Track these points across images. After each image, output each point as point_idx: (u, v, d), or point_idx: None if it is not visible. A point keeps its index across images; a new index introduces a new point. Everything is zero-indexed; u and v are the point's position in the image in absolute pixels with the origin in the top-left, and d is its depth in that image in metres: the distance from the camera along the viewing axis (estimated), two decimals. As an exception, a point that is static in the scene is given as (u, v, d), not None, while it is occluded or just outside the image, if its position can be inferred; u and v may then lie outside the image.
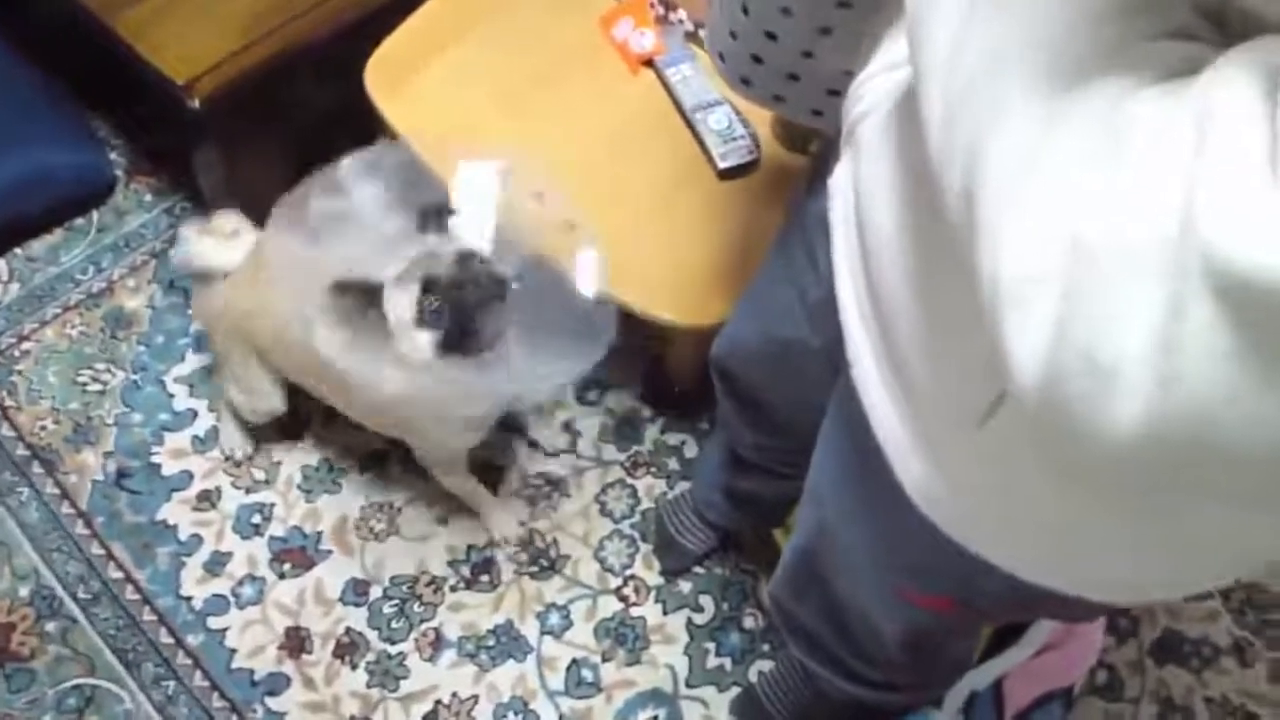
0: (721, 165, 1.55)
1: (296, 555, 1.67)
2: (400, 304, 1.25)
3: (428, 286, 1.25)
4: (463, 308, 1.26)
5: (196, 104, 1.52)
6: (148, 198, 2.01)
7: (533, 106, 1.60)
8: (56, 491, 1.70)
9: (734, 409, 1.33)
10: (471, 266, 1.28)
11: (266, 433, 1.75)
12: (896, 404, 0.77)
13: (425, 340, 1.26)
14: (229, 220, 1.60)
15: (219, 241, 1.58)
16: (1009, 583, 0.79)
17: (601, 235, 1.48)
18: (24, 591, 1.63)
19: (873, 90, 0.78)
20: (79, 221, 1.97)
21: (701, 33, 1.65)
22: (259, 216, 1.64)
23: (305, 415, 1.77)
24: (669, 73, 1.62)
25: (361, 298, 1.25)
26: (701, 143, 1.57)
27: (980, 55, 0.51)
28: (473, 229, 1.31)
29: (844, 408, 0.90)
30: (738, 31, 0.94)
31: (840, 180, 0.83)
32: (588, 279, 1.39)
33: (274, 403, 1.63)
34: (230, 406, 1.69)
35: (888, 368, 0.77)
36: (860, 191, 0.78)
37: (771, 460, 1.38)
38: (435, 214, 1.31)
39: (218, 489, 1.72)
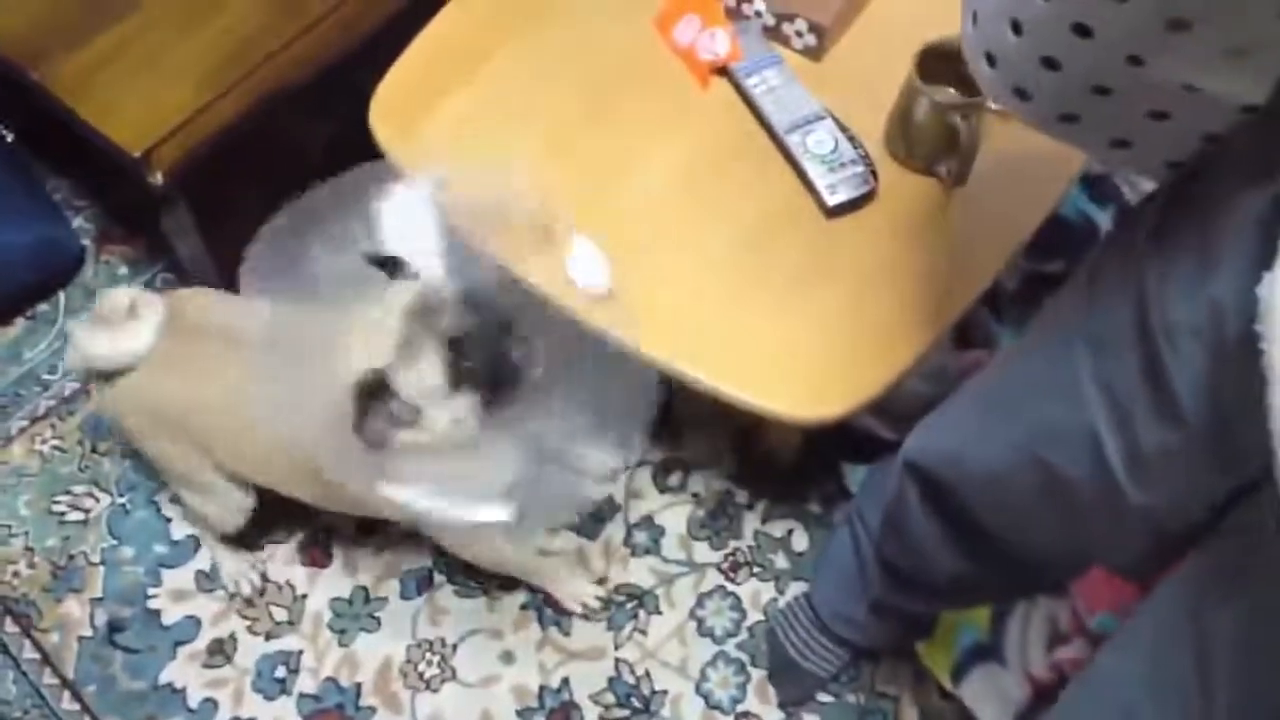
0: (830, 201, 1.20)
1: (333, 717, 1.36)
2: (423, 375, 1.00)
3: (450, 343, 1.01)
4: (499, 356, 1.02)
5: (159, 179, 1.20)
6: (122, 270, 1.69)
7: (580, 140, 1.25)
8: (36, 656, 1.40)
9: (938, 530, 1.01)
10: (481, 304, 1.03)
11: (286, 558, 1.44)
12: None
13: (465, 405, 1.01)
14: (121, 297, 1.28)
15: (119, 327, 1.26)
16: None
17: (681, 301, 1.16)
18: (4, 793, 1.33)
19: None
20: (43, 308, 1.66)
21: (786, 27, 1.30)
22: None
23: (326, 531, 1.46)
24: (750, 83, 1.27)
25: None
26: (801, 172, 1.22)
27: None
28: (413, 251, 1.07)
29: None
30: (1025, 23, 0.63)
31: None
32: (588, 270, 1.14)
33: (242, 499, 1.34)
34: (197, 524, 1.40)
35: None
36: None
37: (962, 587, 1.05)
38: (390, 262, 1.05)
39: (232, 637, 1.41)
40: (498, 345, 1.02)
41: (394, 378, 0.99)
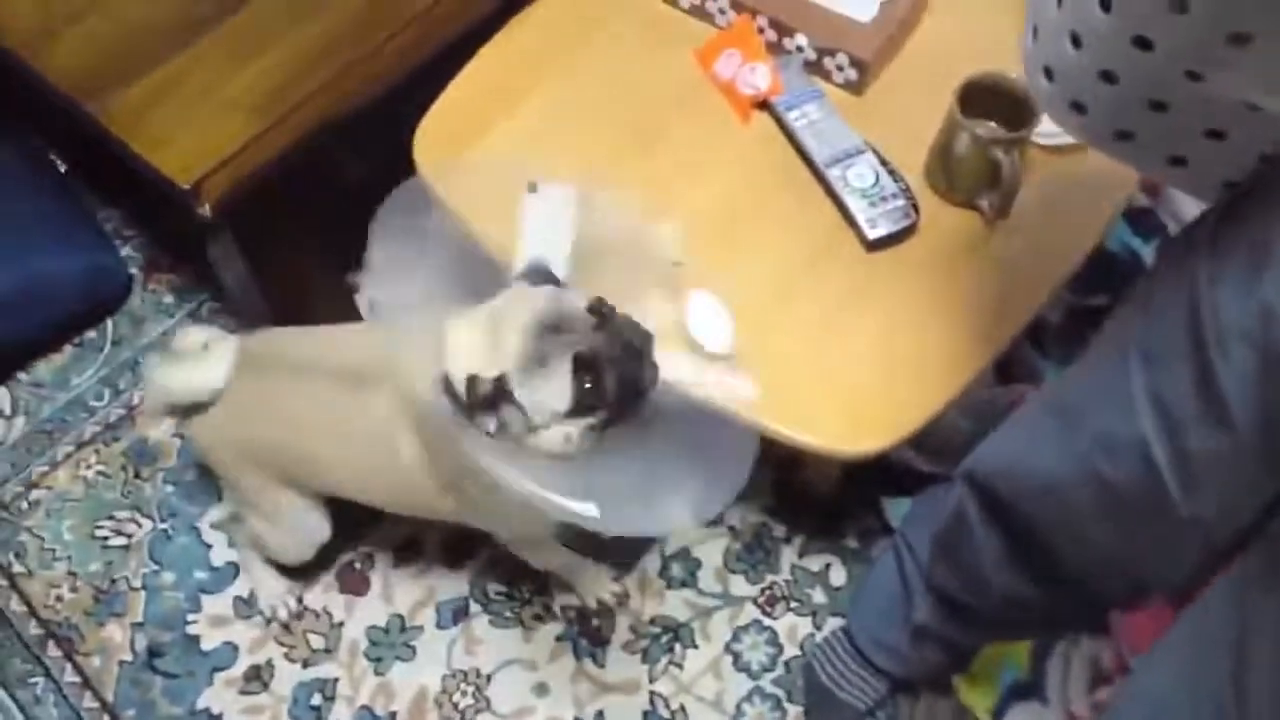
0: (870, 235, 1.20)
1: (368, 746, 1.36)
2: (547, 392, 0.95)
3: (581, 365, 0.95)
4: (629, 382, 0.97)
5: (207, 210, 1.22)
6: (168, 299, 1.71)
7: (621, 174, 1.26)
8: (77, 679, 1.41)
9: (997, 545, 1.01)
10: (614, 323, 0.99)
11: (323, 585, 1.45)
12: None
13: (578, 430, 0.97)
14: (195, 335, 1.33)
15: (194, 362, 1.29)
16: None
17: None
18: (43, 815, 1.34)
19: None
20: (90, 335, 1.68)
21: (827, 61, 1.30)
22: (297, 306, 1.42)
23: (367, 559, 1.47)
24: (791, 117, 1.28)
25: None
26: (842, 206, 1.23)
27: None
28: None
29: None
30: (1085, 36, 0.63)
31: None
32: (710, 330, 1.12)
33: (318, 529, 1.34)
34: (263, 551, 1.41)
35: None
36: None
37: (1012, 613, 1.05)
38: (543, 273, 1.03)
39: (269, 663, 1.42)
40: (626, 369, 0.97)
41: (515, 387, 0.94)
